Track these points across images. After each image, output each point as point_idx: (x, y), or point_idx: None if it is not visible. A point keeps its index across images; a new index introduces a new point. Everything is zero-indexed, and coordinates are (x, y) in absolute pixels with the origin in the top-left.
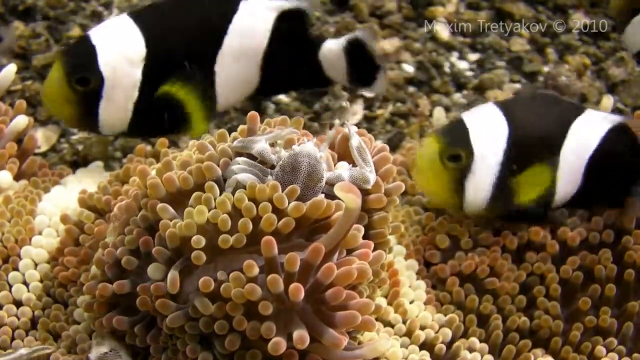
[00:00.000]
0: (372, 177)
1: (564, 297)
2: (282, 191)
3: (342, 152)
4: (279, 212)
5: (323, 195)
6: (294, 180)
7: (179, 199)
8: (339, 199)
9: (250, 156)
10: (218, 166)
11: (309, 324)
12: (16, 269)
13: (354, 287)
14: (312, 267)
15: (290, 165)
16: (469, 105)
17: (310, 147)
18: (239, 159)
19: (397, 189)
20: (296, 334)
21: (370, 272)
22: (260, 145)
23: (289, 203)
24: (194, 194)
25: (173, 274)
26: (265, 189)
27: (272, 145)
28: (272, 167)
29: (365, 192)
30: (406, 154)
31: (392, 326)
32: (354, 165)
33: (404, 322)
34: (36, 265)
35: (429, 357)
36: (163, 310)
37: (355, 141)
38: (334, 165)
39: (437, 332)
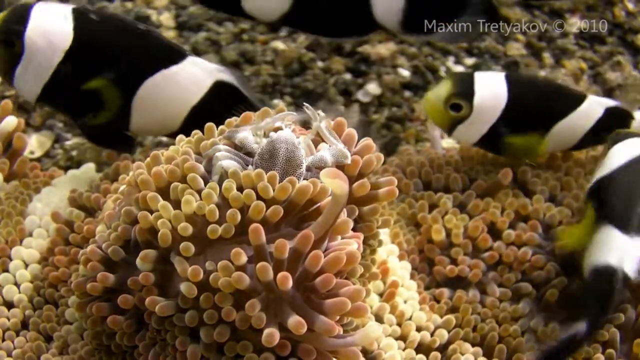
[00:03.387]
0: (348, 152)
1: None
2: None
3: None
4: (266, 201)
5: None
6: (272, 167)
7: (168, 192)
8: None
9: (236, 146)
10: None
11: (299, 313)
12: (6, 270)
13: (346, 279)
14: (302, 254)
15: (268, 152)
16: None
17: (287, 134)
18: (221, 147)
19: (389, 183)
20: (291, 321)
21: (359, 256)
22: (242, 134)
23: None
24: (179, 187)
25: (180, 260)
26: (250, 174)
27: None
28: (253, 155)
29: (350, 182)
30: (402, 158)
31: (389, 326)
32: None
33: (399, 325)
34: (27, 266)
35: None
36: (152, 305)
37: (322, 123)
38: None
39: (432, 334)
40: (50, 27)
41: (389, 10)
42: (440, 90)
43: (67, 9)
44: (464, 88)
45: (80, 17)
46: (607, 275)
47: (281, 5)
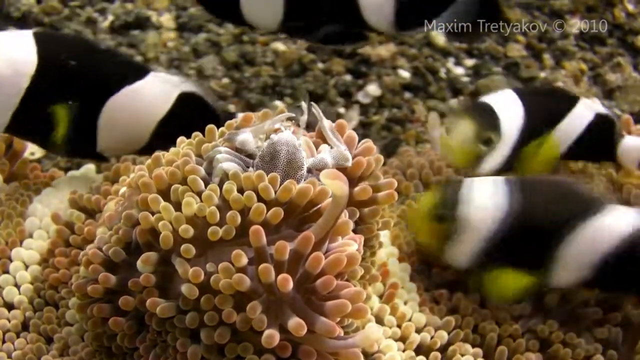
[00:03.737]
0: (349, 155)
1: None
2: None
3: (322, 139)
4: (267, 202)
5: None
6: (273, 169)
7: (168, 195)
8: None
9: (236, 148)
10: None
11: (300, 315)
12: (7, 271)
13: (346, 281)
14: (302, 256)
15: (269, 154)
16: None
17: (288, 135)
18: (222, 149)
19: (389, 186)
20: (291, 323)
21: (359, 257)
22: (243, 136)
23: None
24: (180, 189)
25: (181, 262)
26: (251, 177)
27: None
28: (254, 157)
29: (351, 184)
30: (402, 159)
31: (389, 328)
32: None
33: (399, 326)
34: (27, 267)
35: None
36: (153, 307)
37: (326, 122)
38: (317, 150)
39: (433, 336)
40: (14, 54)
41: (380, 13)
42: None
43: (28, 34)
44: None
45: (42, 41)
46: None
47: (276, 13)
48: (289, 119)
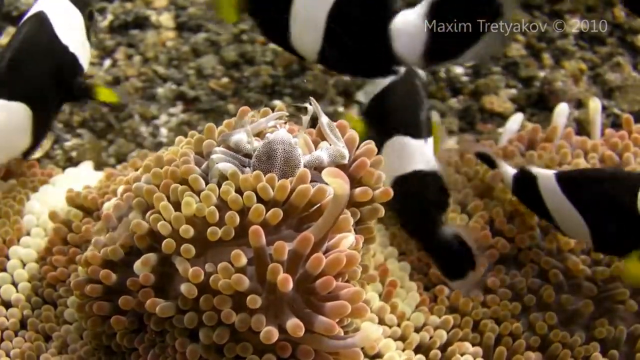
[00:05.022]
0: (346, 152)
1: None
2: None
3: (322, 137)
4: (265, 203)
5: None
6: (270, 169)
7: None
8: (325, 183)
9: (232, 148)
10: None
11: (299, 315)
12: (4, 269)
13: (347, 281)
14: (302, 256)
15: (265, 153)
16: (464, 111)
17: (283, 134)
18: (217, 149)
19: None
20: (289, 324)
21: (359, 257)
22: (237, 136)
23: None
24: (179, 188)
25: (181, 260)
26: (249, 178)
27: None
28: (250, 156)
29: (352, 185)
30: None
31: (389, 327)
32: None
33: (399, 325)
34: (24, 265)
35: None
36: (152, 307)
37: (324, 119)
38: (315, 148)
39: (432, 335)
40: None
41: (410, 47)
42: None
43: None
44: None
45: None
46: None
47: (315, 44)
48: (286, 116)
